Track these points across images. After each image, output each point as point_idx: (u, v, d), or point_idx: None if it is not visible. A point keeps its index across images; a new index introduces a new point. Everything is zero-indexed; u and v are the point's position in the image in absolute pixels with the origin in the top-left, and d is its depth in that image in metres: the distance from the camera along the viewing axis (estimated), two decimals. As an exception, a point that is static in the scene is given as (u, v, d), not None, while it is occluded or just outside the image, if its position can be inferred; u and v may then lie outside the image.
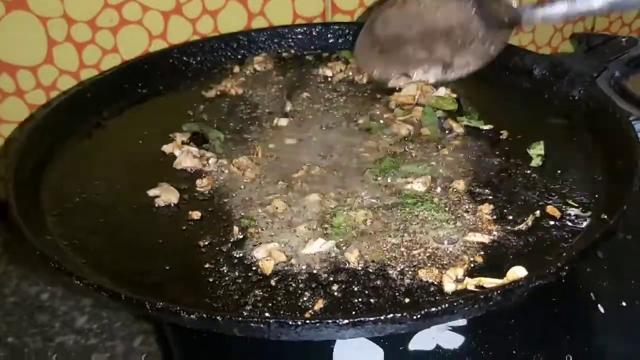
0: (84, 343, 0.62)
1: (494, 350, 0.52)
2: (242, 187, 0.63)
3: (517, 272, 0.50)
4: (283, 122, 0.73)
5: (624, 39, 0.79)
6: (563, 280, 0.48)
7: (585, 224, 0.55)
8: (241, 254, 0.54)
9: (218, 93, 0.78)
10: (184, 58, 0.82)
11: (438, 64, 0.69)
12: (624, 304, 0.56)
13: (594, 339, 0.54)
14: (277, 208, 0.59)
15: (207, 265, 0.53)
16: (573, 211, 0.57)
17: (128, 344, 0.62)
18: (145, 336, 0.63)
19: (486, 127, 0.70)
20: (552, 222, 0.56)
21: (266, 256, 0.53)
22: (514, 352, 0.52)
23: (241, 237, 0.56)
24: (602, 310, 0.56)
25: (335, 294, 0.50)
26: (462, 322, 0.54)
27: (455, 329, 0.54)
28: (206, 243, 0.56)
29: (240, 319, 0.44)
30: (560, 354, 0.52)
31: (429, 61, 0.68)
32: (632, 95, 0.81)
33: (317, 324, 0.43)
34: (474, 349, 0.53)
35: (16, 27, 0.75)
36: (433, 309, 0.44)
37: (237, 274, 0.52)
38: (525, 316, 0.54)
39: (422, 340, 0.53)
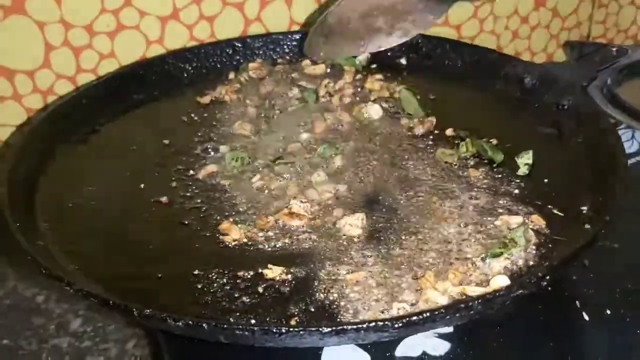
0: (78, 346, 0.63)
1: (480, 358, 0.53)
2: (234, 192, 0.63)
3: (500, 281, 0.50)
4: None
5: (614, 48, 0.79)
6: (549, 288, 0.49)
7: (569, 233, 0.55)
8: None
9: (213, 99, 0.78)
10: (180, 64, 0.82)
11: (379, 34, 0.74)
12: (608, 312, 0.56)
13: (578, 347, 0.55)
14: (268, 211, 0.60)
15: (196, 272, 0.54)
16: (558, 220, 0.58)
17: (121, 347, 0.63)
18: (138, 340, 0.63)
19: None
20: (537, 231, 0.56)
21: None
22: (500, 359, 0.52)
23: (233, 243, 0.57)
24: (587, 318, 0.56)
25: (322, 300, 0.51)
26: (448, 329, 0.54)
27: (441, 336, 0.54)
28: (197, 247, 0.56)
29: (225, 326, 0.44)
30: (545, 361, 0.53)
31: (369, 32, 0.73)
32: (623, 103, 0.82)
33: (301, 332, 0.44)
34: (460, 356, 0.53)
35: (14, 32, 0.76)
36: (415, 318, 0.44)
37: (225, 280, 0.53)
38: (511, 324, 0.54)
39: (409, 347, 0.53)
